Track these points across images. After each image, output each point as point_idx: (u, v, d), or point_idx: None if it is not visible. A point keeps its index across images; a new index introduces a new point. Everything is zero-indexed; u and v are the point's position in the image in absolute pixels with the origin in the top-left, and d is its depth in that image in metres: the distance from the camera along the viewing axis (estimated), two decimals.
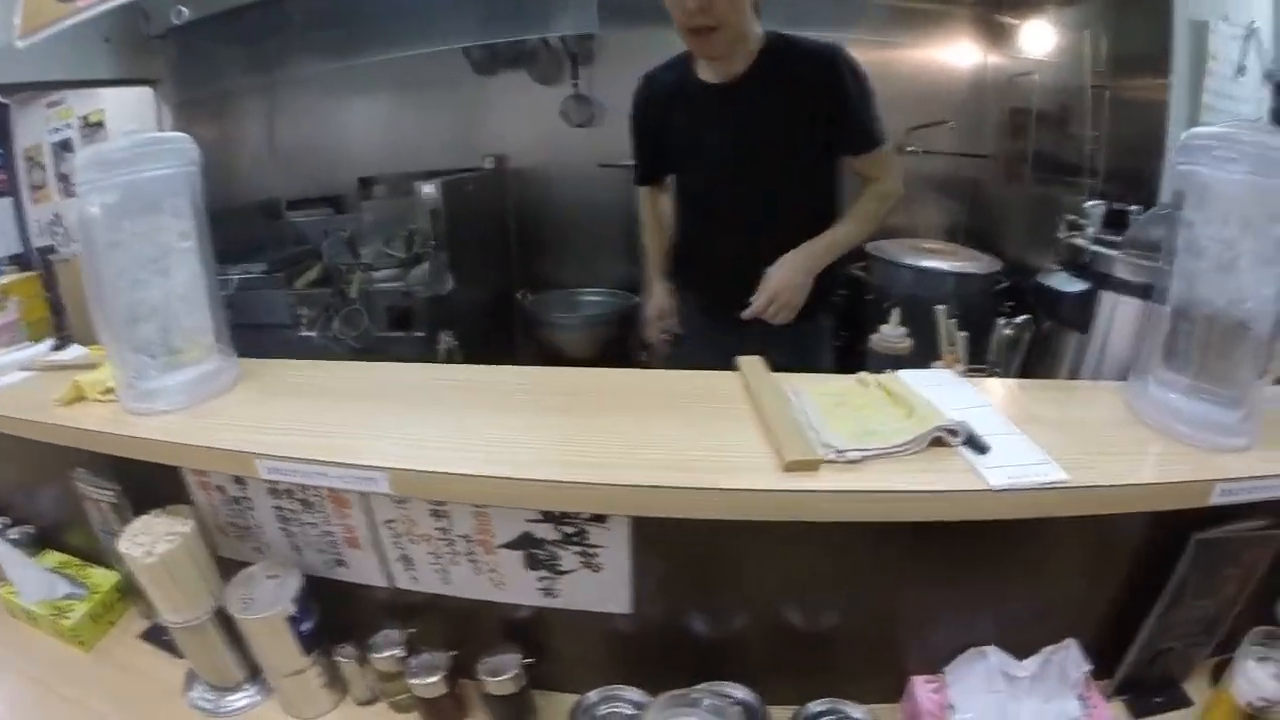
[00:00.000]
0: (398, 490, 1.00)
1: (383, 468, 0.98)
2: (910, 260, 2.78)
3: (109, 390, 1.28)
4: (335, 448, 1.03)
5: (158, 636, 1.44)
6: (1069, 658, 1.09)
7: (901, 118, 3.27)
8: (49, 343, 1.63)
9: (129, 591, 1.51)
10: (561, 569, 1.11)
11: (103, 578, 1.53)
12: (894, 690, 1.17)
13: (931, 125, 3.20)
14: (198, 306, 1.24)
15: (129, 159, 1.19)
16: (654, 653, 1.05)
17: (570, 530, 1.07)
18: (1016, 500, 0.92)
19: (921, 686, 1.17)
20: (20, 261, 3.70)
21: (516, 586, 1.14)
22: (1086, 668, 1.08)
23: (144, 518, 1.24)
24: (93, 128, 3.98)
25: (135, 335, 1.20)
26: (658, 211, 2.00)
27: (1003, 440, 0.99)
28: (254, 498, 1.21)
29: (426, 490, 1.03)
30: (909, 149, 3.22)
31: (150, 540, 1.19)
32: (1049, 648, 1.10)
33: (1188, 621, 1.12)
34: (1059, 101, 2.85)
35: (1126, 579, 1.12)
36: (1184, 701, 1.17)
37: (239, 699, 1.31)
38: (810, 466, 0.94)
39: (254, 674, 1.32)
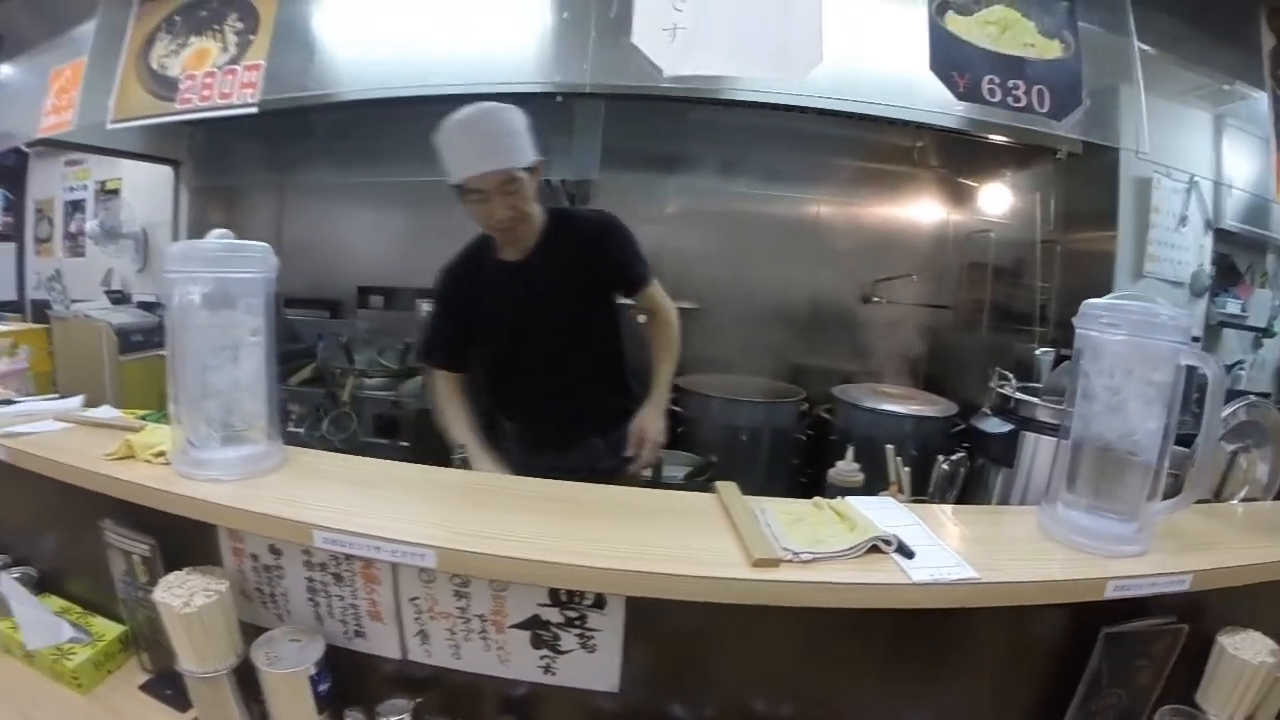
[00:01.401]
0: (443, 566, 1.15)
1: (431, 545, 1.13)
2: (870, 404, 3.08)
3: (160, 453, 1.41)
4: (385, 526, 1.19)
5: (159, 689, 1.54)
6: None
7: (867, 270, 3.68)
8: (79, 398, 1.72)
9: (132, 643, 1.61)
10: (562, 649, 1.27)
11: (106, 626, 1.63)
12: None
13: (895, 278, 3.52)
14: (258, 394, 1.40)
15: (219, 258, 1.38)
16: None
17: (573, 614, 1.24)
18: (934, 592, 1.13)
19: None
20: (14, 309, 3.76)
21: (520, 663, 1.29)
22: None
23: (178, 573, 1.37)
24: (109, 194, 4.12)
25: (202, 409, 1.35)
26: (456, 387, 2.25)
27: (927, 549, 1.21)
28: (286, 567, 1.36)
29: (467, 567, 1.17)
30: (874, 299, 3.50)
31: (186, 594, 1.31)
32: None
33: (1107, 710, 1.29)
34: (1013, 255, 3.20)
35: (1047, 673, 1.31)
36: None
37: None
38: (773, 564, 1.15)
39: None
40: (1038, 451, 1.93)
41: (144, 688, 1.54)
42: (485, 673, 1.34)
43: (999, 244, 3.27)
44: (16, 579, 1.63)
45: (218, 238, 1.38)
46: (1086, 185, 2.87)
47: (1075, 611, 1.23)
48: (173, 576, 1.35)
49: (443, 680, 1.37)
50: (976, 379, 3.04)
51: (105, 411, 1.62)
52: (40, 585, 1.70)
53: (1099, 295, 1.27)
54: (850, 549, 1.19)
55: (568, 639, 1.27)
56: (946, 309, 3.60)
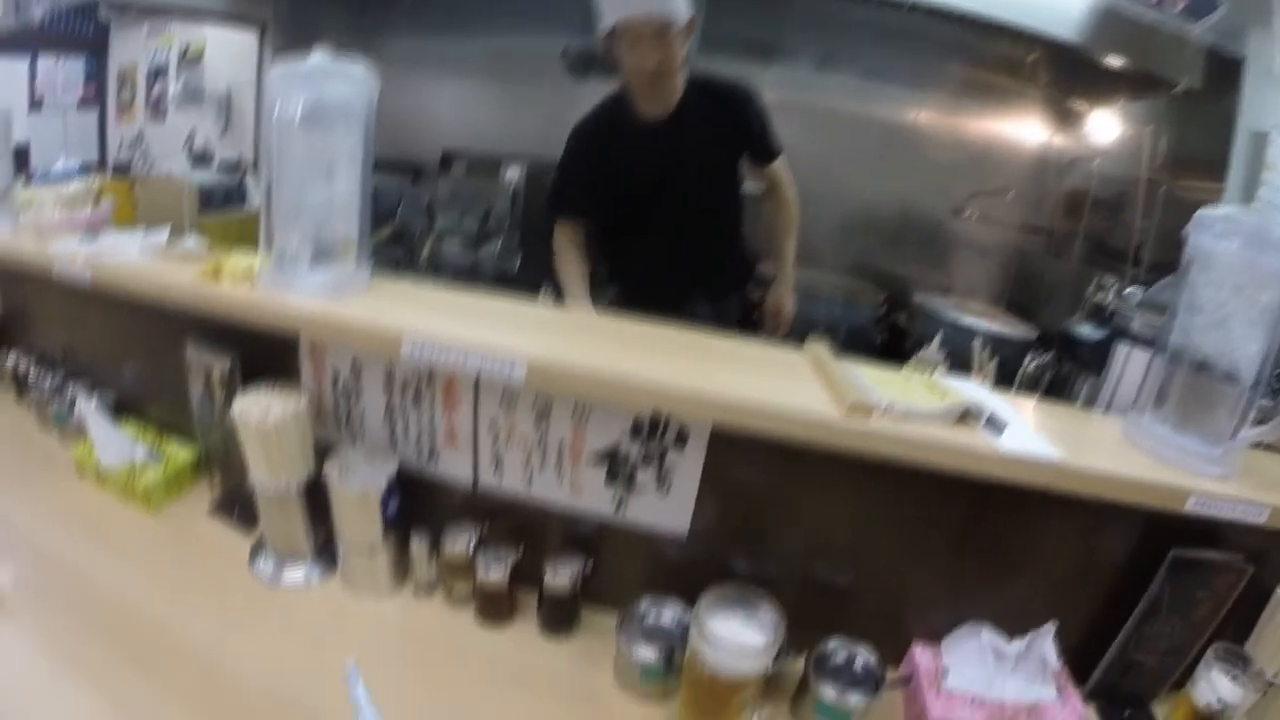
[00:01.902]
0: (531, 380, 1.12)
1: (523, 356, 1.11)
2: (951, 316, 2.99)
3: (248, 275, 1.40)
4: (475, 339, 1.17)
5: (228, 511, 1.58)
6: (1047, 645, 1.23)
7: (962, 183, 3.54)
8: (164, 232, 1.72)
9: (204, 466, 1.64)
10: (636, 485, 1.25)
11: (178, 449, 1.66)
12: (896, 655, 1.31)
13: (992, 193, 3.40)
14: (351, 215, 1.38)
15: (319, 75, 1.36)
16: (696, 579, 1.18)
17: (653, 450, 1.22)
18: (1021, 466, 1.09)
19: (922, 651, 1.32)
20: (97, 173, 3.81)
21: (592, 497, 1.28)
22: (1055, 662, 1.23)
23: (257, 391, 1.38)
24: (191, 61, 4.13)
25: (295, 227, 1.35)
26: (578, 241, 2.23)
27: (1014, 430, 1.17)
28: (366, 388, 1.36)
29: (556, 383, 1.16)
30: (966, 213, 3.39)
31: (263, 408, 1.31)
32: (1032, 632, 1.24)
33: (1160, 637, 1.25)
34: (1114, 189, 3.06)
35: (1109, 589, 1.27)
36: (1149, 718, 1.29)
37: (300, 573, 1.40)
38: (866, 412, 1.11)
39: (319, 552, 1.43)
40: (1129, 364, 1.84)
41: (213, 510, 1.55)
42: (555, 504, 1.32)
43: (1101, 175, 3.13)
44: (94, 402, 1.66)
45: (319, 56, 1.34)
46: (1200, 129, 2.72)
47: (1148, 526, 1.20)
48: (252, 393, 1.36)
49: (511, 510, 1.38)
50: (1060, 308, 2.95)
51: (191, 243, 1.60)
52: (118, 410, 1.73)
53: None
54: (942, 412, 1.15)
55: (644, 476, 1.25)
56: (1038, 233, 3.46)
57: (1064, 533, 1.24)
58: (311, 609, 1.36)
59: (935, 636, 1.31)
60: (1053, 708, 1.22)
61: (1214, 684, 1.17)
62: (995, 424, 1.17)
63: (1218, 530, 1.17)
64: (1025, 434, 1.17)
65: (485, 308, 1.43)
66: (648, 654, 1.23)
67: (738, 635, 1.09)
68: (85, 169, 2.46)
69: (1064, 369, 2.37)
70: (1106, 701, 1.30)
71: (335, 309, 1.27)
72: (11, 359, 1.76)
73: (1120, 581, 1.25)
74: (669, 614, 1.30)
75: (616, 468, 1.28)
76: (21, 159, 2.64)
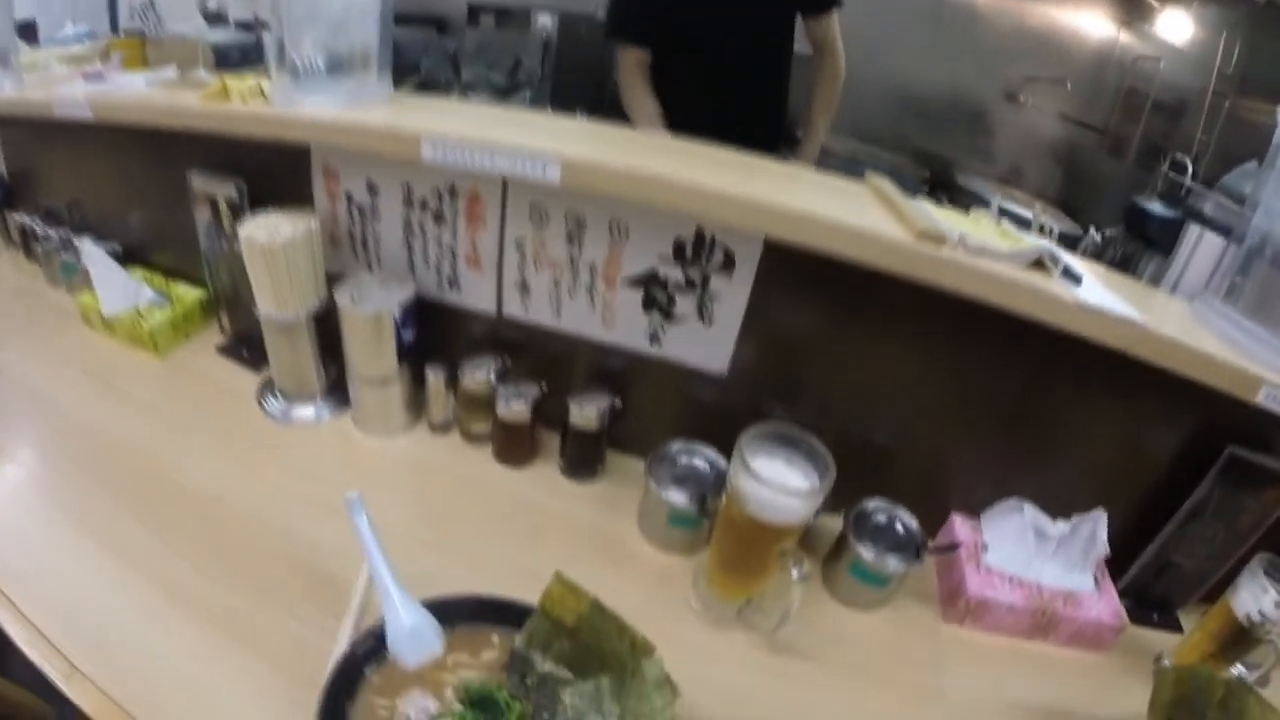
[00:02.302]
0: (567, 182, 1.02)
1: (555, 153, 1.01)
2: (995, 200, 2.78)
3: (259, 92, 1.29)
4: (503, 138, 1.06)
5: (236, 351, 1.51)
6: (1095, 531, 1.14)
7: (1020, 67, 3.33)
8: (171, 67, 1.60)
9: (212, 306, 1.56)
10: (675, 315, 1.15)
11: (186, 292, 1.58)
12: (931, 525, 1.23)
13: (1049, 80, 3.21)
14: (370, 23, 1.27)
15: None
16: (732, 424, 1.07)
17: (696, 275, 1.11)
18: (1099, 320, 0.98)
19: (961, 523, 1.24)
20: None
21: (626, 327, 1.17)
22: (1104, 549, 1.14)
23: (266, 213, 1.28)
24: None
25: (309, 35, 1.24)
26: (645, 73, 2.18)
27: (1090, 284, 1.06)
28: (383, 207, 1.26)
29: (596, 183, 1.04)
30: (1020, 99, 3.21)
31: (272, 228, 1.21)
32: (1079, 516, 1.15)
33: (1200, 540, 1.16)
34: (1178, 96, 2.88)
35: (1159, 479, 1.17)
36: (1176, 626, 1.20)
37: (309, 410, 1.31)
38: (939, 240, 1.00)
39: (330, 390, 1.34)
40: (1200, 247, 1.71)
41: (221, 350, 1.46)
42: (584, 336, 1.22)
43: (1165, 78, 2.94)
44: (96, 246, 1.57)
45: None
46: (1277, 48, 2.52)
47: (1206, 421, 1.09)
48: (260, 215, 1.26)
49: (535, 342, 1.29)
50: (1107, 208, 2.83)
51: (202, 73, 1.48)
52: (126, 259, 1.63)
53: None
54: (1016, 254, 1.03)
55: (684, 304, 1.14)
56: (1093, 129, 3.28)
57: (1120, 416, 1.14)
58: (321, 447, 1.27)
59: (973, 510, 1.23)
60: (1090, 598, 1.14)
61: (1257, 596, 1.05)
62: (1072, 274, 1.05)
63: (1276, 438, 1.06)
64: (1101, 291, 1.05)
65: (516, 117, 1.31)
66: (678, 497, 1.13)
67: (783, 476, 0.98)
68: (94, 36, 2.33)
69: (1128, 247, 2.22)
70: (1135, 601, 1.20)
71: (350, 115, 1.16)
72: (20, 218, 1.67)
73: (1168, 477, 1.15)
74: (702, 458, 1.19)
75: (654, 294, 1.16)
76: (29, 33, 2.50)
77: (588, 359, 1.26)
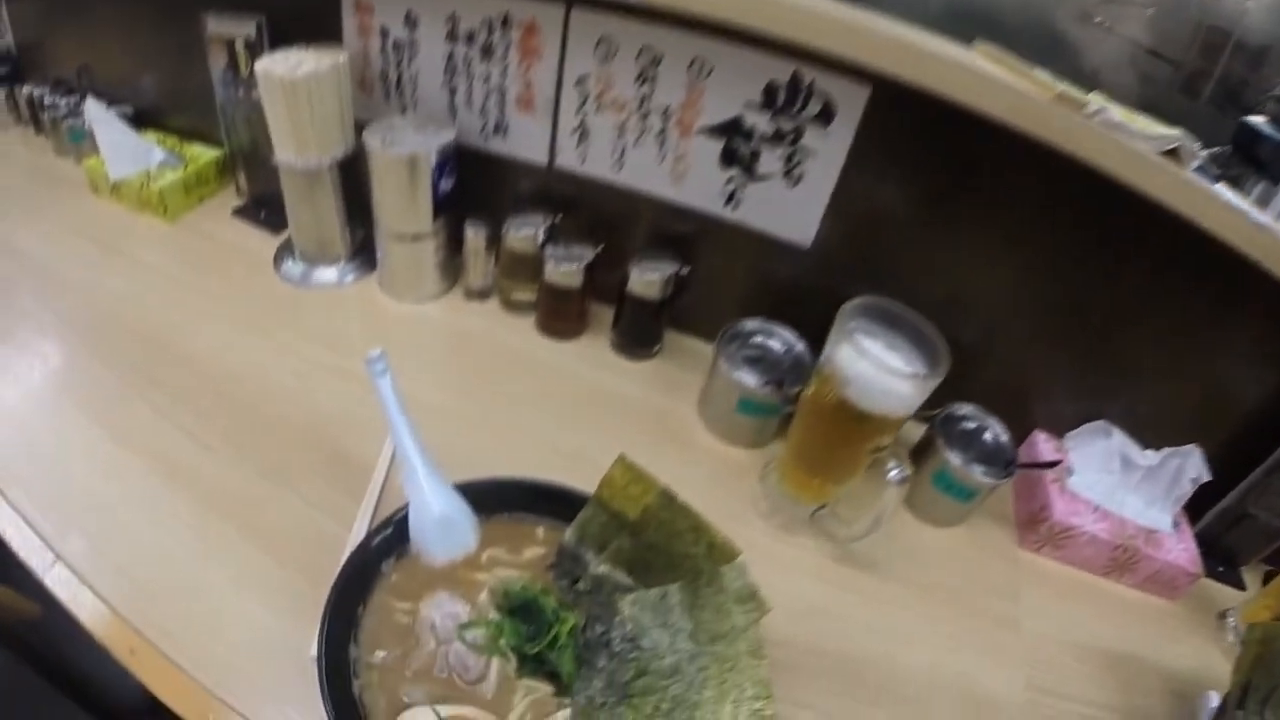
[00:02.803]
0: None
1: None
2: None
3: None
4: None
5: (253, 213, 1.28)
6: (1184, 467, 0.95)
7: None
8: None
9: (229, 166, 1.32)
10: (758, 173, 0.91)
11: (202, 152, 1.32)
12: (1014, 439, 1.01)
13: (1128, 5, 2.87)
14: None
15: None
16: (809, 308, 0.85)
17: (787, 127, 0.86)
18: (1236, 220, 0.78)
19: (1045, 441, 1.05)
20: None
21: (699, 185, 0.94)
22: (1193, 487, 0.94)
23: (289, 49, 1.04)
24: None
25: None
26: None
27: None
28: (422, 41, 1.03)
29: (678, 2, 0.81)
30: (1096, 19, 2.89)
31: (294, 63, 1.00)
32: (1172, 448, 0.96)
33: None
34: (1261, 42, 2.57)
35: (1256, 420, 0.97)
36: (1239, 583, 1.02)
37: (331, 273, 1.11)
38: (1077, 105, 0.78)
39: (356, 252, 1.14)
40: None
41: (238, 212, 1.22)
42: (649, 193, 0.98)
43: (1251, 20, 2.61)
44: (102, 107, 1.33)
45: None
46: None
47: None
48: (281, 52, 1.03)
49: (591, 199, 1.06)
50: None
51: None
52: (139, 123, 1.39)
53: None
54: (1152, 135, 0.80)
55: (770, 159, 0.90)
56: (1168, 62, 2.95)
57: (1225, 346, 0.94)
58: (343, 312, 1.06)
59: (1056, 431, 1.05)
60: (1170, 540, 0.95)
61: None
62: (1206, 171, 0.85)
63: None
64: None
65: None
66: (751, 379, 0.89)
67: (888, 358, 0.77)
68: None
69: (1232, 169, 1.92)
70: (1204, 550, 1.00)
71: None
72: (29, 90, 1.44)
73: (1262, 420, 0.96)
74: (779, 340, 0.96)
75: (736, 147, 0.92)
76: None
77: (650, 221, 1.03)
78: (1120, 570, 0.97)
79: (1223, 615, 0.96)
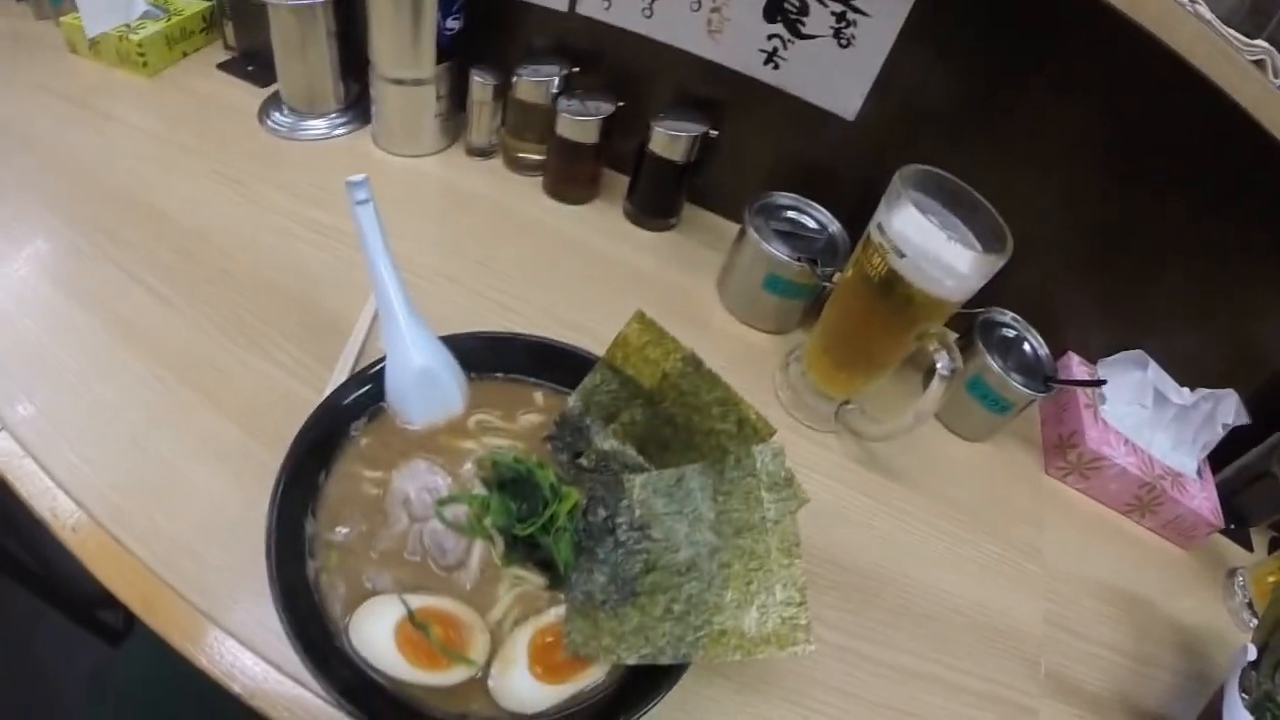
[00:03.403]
0: None
1: None
2: None
3: None
4: None
5: (240, 67, 1.09)
6: (1216, 411, 0.82)
7: None
8: None
9: (217, 18, 1.11)
10: (804, 30, 0.71)
11: (188, 3, 1.10)
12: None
13: None
14: None
15: None
16: (844, 191, 0.67)
17: None
18: None
19: (1078, 364, 0.91)
20: None
21: (737, 41, 0.76)
22: (1244, 420, 0.81)
23: None
24: None
25: None
26: None
27: None
28: None
29: None
30: None
31: None
32: (1208, 390, 0.83)
33: None
34: None
35: None
36: (1246, 542, 0.91)
37: (321, 124, 0.91)
38: None
39: (349, 106, 0.98)
40: None
41: (223, 66, 1.02)
42: (680, 47, 0.77)
43: None
44: None
45: None
46: None
47: None
48: None
49: (614, 52, 0.88)
50: None
51: None
52: None
53: None
54: (1242, 43, 0.66)
55: (819, 16, 0.72)
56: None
57: (1270, 294, 0.79)
58: (331, 164, 0.90)
59: (1089, 357, 0.91)
60: (1193, 485, 0.83)
61: None
62: None
63: None
64: None
65: None
66: (784, 252, 0.71)
67: (942, 238, 0.60)
68: None
69: None
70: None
71: None
72: None
73: None
74: (813, 217, 0.78)
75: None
76: None
77: (678, 79, 0.86)
78: (1141, 510, 0.84)
79: (1231, 573, 0.84)
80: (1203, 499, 0.83)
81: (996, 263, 0.60)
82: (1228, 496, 0.87)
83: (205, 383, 0.66)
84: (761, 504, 0.51)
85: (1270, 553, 0.88)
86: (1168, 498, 0.82)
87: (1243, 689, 0.61)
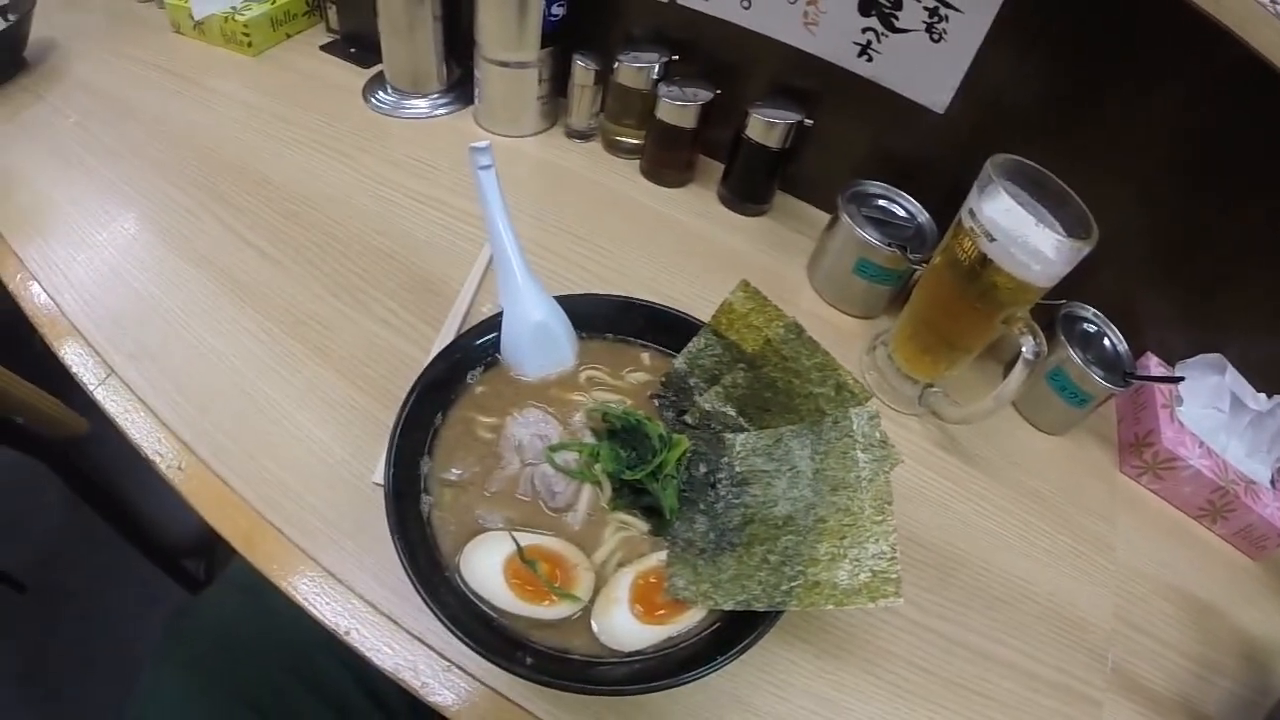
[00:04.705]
0: None
1: None
2: None
3: None
4: None
5: (343, 49, 1.16)
6: None
7: None
8: None
9: (319, 6, 1.17)
10: (897, 24, 0.75)
11: None
12: None
13: None
14: None
15: None
16: (934, 181, 0.69)
17: None
18: None
19: (1156, 364, 0.92)
20: None
21: (832, 33, 0.80)
22: None
23: None
24: None
25: None
26: None
27: None
28: None
29: None
30: None
31: None
32: None
33: None
34: None
35: None
36: None
37: (424, 103, 0.97)
38: None
39: (452, 86, 1.02)
40: None
41: (326, 47, 1.08)
42: (775, 38, 0.82)
43: None
44: None
45: None
46: None
47: None
48: None
49: (712, 41, 0.91)
50: None
51: None
52: None
53: None
54: None
55: (912, 11, 0.76)
56: None
57: None
58: (434, 141, 0.95)
59: (1166, 359, 0.91)
60: (1266, 494, 0.82)
61: None
62: None
63: None
64: None
65: None
66: (875, 238, 0.76)
67: (1031, 223, 0.63)
68: None
69: None
70: None
71: None
72: None
73: None
74: (903, 207, 0.82)
75: None
76: None
77: (773, 70, 0.89)
78: (1213, 516, 0.84)
79: None
80: (1276, 508, 0.83)
81: (1082, 249, 0.63)
82: None
83: (312, 337, 0.70)
84: (857, 464, 0.54)
85: None
86: (1240, 504, 0.83)
87: None
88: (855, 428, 0.54)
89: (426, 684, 0.53)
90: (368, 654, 0.53)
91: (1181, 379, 0.86)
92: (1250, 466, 0.85)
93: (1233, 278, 0.83)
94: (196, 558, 1.13)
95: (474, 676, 0.53)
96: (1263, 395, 0.86)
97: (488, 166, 0.60)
